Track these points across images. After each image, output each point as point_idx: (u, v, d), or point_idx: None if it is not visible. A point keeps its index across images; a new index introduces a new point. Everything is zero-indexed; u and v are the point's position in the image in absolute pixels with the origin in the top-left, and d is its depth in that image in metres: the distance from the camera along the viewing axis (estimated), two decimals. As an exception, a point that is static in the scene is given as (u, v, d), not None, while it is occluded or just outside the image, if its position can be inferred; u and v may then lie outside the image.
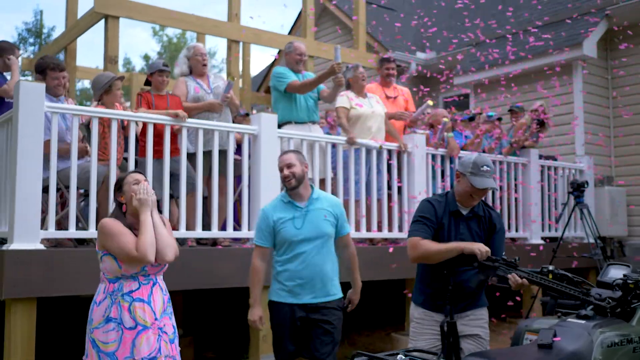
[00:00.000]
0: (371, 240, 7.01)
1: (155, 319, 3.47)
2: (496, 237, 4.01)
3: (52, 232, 4.90)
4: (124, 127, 5.85)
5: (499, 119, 8.81)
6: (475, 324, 4.03)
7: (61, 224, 5.49)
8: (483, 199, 4.10)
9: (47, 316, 5.78)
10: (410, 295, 6.79)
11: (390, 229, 6.96)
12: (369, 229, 6.75)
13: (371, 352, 3.32)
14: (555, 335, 3.36)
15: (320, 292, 4.29)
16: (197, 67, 6.28)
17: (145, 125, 5.51)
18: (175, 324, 3.65)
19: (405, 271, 6.84)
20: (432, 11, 14.41)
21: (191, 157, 5.72)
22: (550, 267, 3.77)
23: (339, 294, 4.43)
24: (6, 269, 4.50)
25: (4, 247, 4.64)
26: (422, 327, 4.05)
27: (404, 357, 3.15)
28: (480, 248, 3.68)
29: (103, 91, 5.88)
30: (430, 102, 7.42)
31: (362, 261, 6.46)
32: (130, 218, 3.62)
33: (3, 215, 5.16)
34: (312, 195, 4.36)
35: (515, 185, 8.27)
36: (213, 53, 40.22)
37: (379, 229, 6.88)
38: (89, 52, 40.77)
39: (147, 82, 5.97)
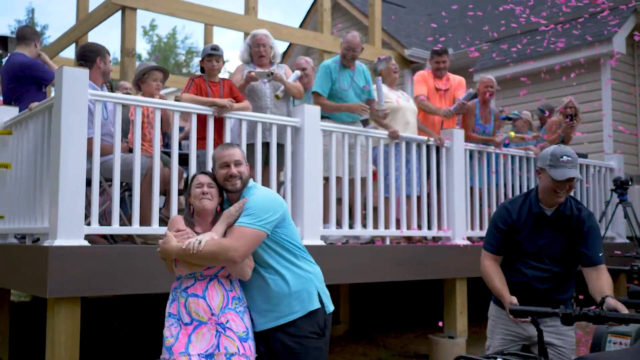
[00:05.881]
0: (409, 239, 6.77)
1: (213, 314, 3.31)
2: (587, 238, 3.70)
3: (95, 228, 4.61)
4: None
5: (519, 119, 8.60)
6: (557, 331, 3.79)
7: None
8: (572, 194, 3.85)
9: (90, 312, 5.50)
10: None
11: (429, 227, 6.73)
12: (409, 227, 6.51)
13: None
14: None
15: None
16: (255, 57, 6.11)
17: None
18: (249, 324, 3.41)
19: (443, 271, 6.63)
20: (450, 6, 14.21)
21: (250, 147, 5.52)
22: None
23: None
24: (50, 266, 4.21)
25: (47, 243, 4.36)
26: (496, 325, 3.94)
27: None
28: (508, 307, 3.53)
29: (138, 80, 5.70)
30: (472, 90, 7.17)
31: (398, 260, 6.29)
32: (197, 219, 3.55)
33: (39, 210, 4.88)
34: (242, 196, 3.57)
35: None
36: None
37: (419, 227, 6.65)
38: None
39: (202, 70, 5.71)
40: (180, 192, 5.27)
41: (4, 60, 6.54)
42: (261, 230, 3.34)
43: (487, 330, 4.01)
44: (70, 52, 12.15)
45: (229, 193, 3.58)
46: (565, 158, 3.62)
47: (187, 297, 3.34)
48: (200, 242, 3.21)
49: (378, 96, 6.42)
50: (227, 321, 3.31)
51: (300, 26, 14.66)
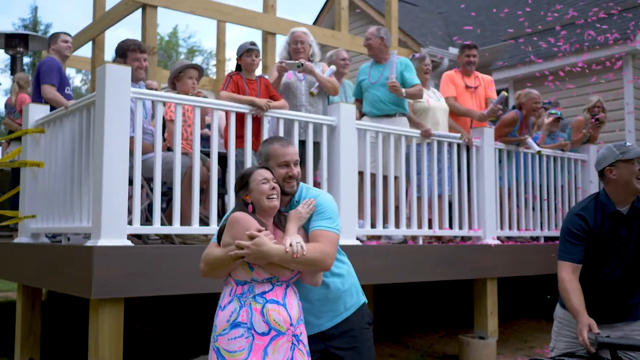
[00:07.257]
0: (439, 238, 6.72)
1: (291, 325, 3.01)
2: None
3: (137, 228, 4.56)
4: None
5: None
6: (627, 336, 3.72)
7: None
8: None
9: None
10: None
11: (460, 227, 6.68)
12: (440, 227, 6.45)
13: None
14: None
15: None
16: (293, 54, 6.04)
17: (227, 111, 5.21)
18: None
19: (474, 271, 6.57)
20: (461, 5, 14.15)
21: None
22: None
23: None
24: (95, 266, 4.15)
25: (90, 243, 4.29)
26: (562, 327, 3.84)
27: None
28: (583, 336, 3.37)
29: (174, 77, 5.65)
30: (505, 93, 7.07)
31: (431, 260, 6.24)
32: (260, 218, 3.14)
33: (77, 209, 4.83)
34: (294, 198, 3.36)
35: (575, 183, 8.03)
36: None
37: (450, 226, 6.60)
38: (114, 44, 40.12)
39: (238, 67, 5.66)
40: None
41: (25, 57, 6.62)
42: (339, 235, 3.22)
43: (552, 332, 3.93)
44: (86, 51, 12.05)
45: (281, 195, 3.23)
46: (628, 143, 3.61)
47: (264, 302, 2.95)
48: (302, 246, 2.95)
49: (390, 69, 6.34)
50: (301, 333, 3.06)
51: (315, 23, 14.60)
